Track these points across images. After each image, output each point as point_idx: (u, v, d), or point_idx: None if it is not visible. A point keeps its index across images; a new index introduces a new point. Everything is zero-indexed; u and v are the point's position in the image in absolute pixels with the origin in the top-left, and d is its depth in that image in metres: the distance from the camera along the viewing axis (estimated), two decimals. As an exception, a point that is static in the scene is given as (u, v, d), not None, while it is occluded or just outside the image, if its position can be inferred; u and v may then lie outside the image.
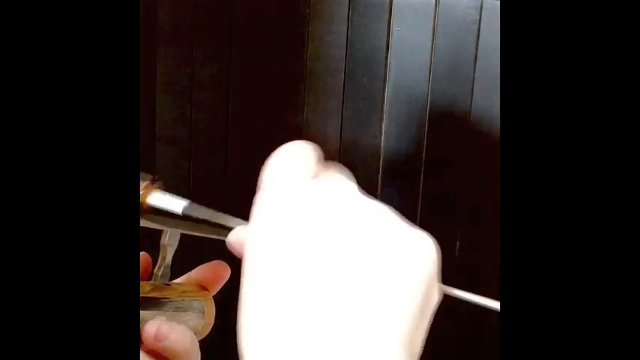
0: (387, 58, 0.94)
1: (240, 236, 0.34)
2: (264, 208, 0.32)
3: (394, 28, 0.93)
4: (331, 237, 0.30)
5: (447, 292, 0.34)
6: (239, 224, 0.36)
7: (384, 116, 0.96)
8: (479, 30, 0.91)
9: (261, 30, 0.97)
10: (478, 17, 0.91)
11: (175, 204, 0.37)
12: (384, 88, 0.95)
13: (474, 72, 0.92)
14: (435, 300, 0.32)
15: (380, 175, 0.97)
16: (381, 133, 0.96)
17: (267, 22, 0.97)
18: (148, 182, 0.38)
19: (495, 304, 0.35)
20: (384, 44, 0.94)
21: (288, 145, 0.34)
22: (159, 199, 0.38)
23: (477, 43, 0.91)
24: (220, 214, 0.37)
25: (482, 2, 0.90)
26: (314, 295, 0.29)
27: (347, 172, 0.33)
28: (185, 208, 0.37)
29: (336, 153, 0.98)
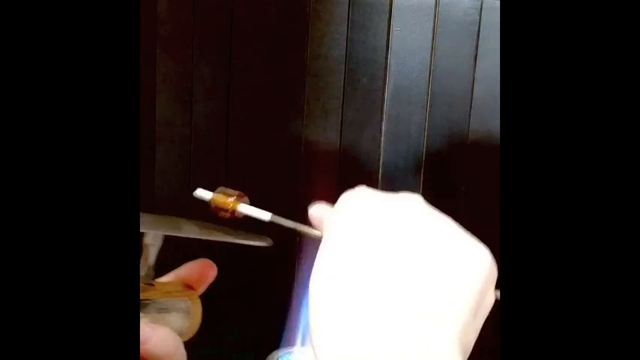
0: (387, 58, 0.94)
1: (322, 213, 0.39)
2: (346, 205, 0.37)
3: (394, 28, 0.93)
4: (401, 240, 0.34)
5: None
6: (314, 231, 0.40)
7: (384, 116, 0.96)
8: (479, 30, 0.91)
9: (261, 30, 0.97)
10: (478, 17, 0.91)
11: (263, 213, 0.44)
12: (384, 88, 0.95)
13: (474, 72, 0.92)
14: (489, 303, 0.35)
15: (380, 175, 0.97)
16: (381, 133, 0.96)
17: (267, 22, 0.97)
18: (236, 195, 0.44)
19: None
20: (384, 44, 0.94)
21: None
22: (248, 208, 0.44)
23: (477, 43, 0.91)
24: (300, 224, 0.42)
25: (482, 2, 0.90)
26: (381, 286, 0.32)
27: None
28: (272, 217, 0.43)
29: (336, 153, 0.98)
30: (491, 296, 0.35)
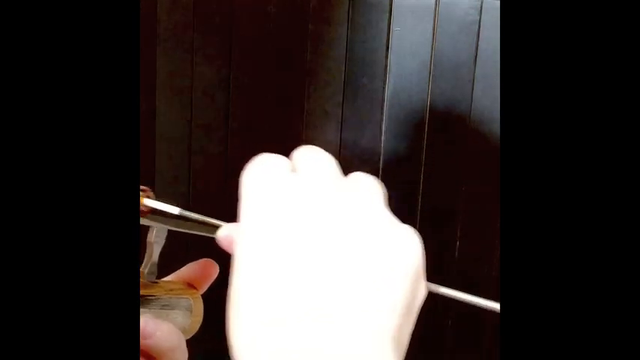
0: (387, 58, 0.94)
1: (229, 233, 0.35)
2: (251, 207, 0.33)
3: (394, 28, 0.93)
4: (317, 233, 0.31)
5: (433, 290, 0.34)
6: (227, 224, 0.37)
7: (384, 116, 0.96)
8: (479, 30, 0.91)
9: (261, 30, 0.97)
10: (478, 17, 0.91)
11: (170, 207, 0.41)
12: (384, 88, 0.95)
13: (474, 72, 0.92)
14: (421, 296, 0.32)
15: (380, 175, 0.97)
16: (381, 133, 0.96)
17: (267, 22, 0.97)
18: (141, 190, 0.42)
19: (481, 301, 0.35)
20: (384, 44, 0.94)
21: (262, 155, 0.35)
22: (155, 202, 0.41)
23: (477, 43, 0.91)
24: (208, 218, 0.39)
25: (482, 2, 0.90)
26: (302, 290, 0.30)
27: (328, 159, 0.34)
28: (180, 211, 0.41)
29: (336, 153, 0.98)
30: (422, 290, 0.32)
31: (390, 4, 0.93)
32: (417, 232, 0.34)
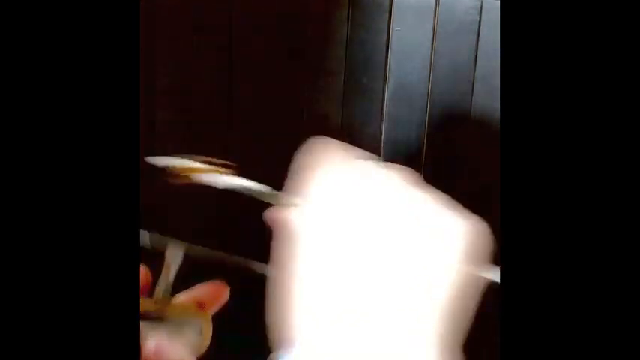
0: (387, 58, 0.94)
1: (284, 214, 0.37)
2: (312, 189, 0.35)
3: (394, 28, 0.93)
4: (373, 224, 0.32)
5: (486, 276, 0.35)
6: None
7: (384, 116, 0.96)
8: (479, 30, 0.91)
9: (261, 30, 0.97)
10: (478, 17, 0.91)
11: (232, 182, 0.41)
12: (384, 88, 0.95)
13: (474, 72, 0.92)
14: (470, 282, 0.33)
15: (380, 175, 0.97)
16: (381, 133, 0.96)
17: (267, 23, 0.97)
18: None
19: None
20: (384, 44, 0.94)
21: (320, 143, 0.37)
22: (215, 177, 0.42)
23: (477, 43, 0.91)
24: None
25: (482, 2, 0.90)
26: (354, 274, 0.31)
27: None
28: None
29: (336, 153, 0.98)
30: (469, 276, 0.33)
31: (390, 4, 0.93)
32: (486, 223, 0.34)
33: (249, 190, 0.42)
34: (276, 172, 1.03)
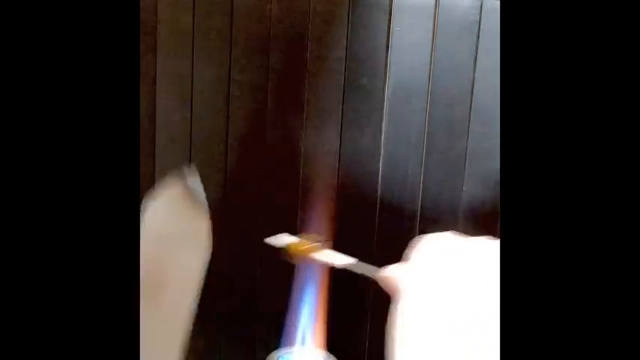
0: (387, 58, 0.94)
1: (394, 274, 0.42)
2: (422, 265, 0.39)
3: (394, 28, 0.93)
4: (468, 288, 0.36)
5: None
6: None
7: (384, 116, 0.96)
8: (479, 30, 0.91)
9: (261, 30, 0.97)
10: (478, 17, 0.91)
11: (345, 260, 0.47)
12: (384, 88, 0.95)
13: (474, 72, 0.92)
14: None
15: (380, 175, 0.97)
16: (381, 133, 0.96)
17: (267, 22, 0.97)
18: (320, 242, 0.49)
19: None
20: (384, 44, 0.94)
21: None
22: (335, 256, 0.47)
23: (477, 43, 0.91)
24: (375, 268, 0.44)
25: (482, 2, 0.90)
26: (451, 328, 0.35)
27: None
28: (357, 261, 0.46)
29: (336, 153, 0.98)
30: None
31: (390, 4, 0.93)
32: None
33: (361, 268, 0.46)
34: (274, 170, 1.03)
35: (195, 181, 0.51)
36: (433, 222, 0.97)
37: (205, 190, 1.11)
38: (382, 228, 0.97)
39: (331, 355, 0.65)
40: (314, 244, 0.47)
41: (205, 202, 0.52)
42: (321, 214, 0.98)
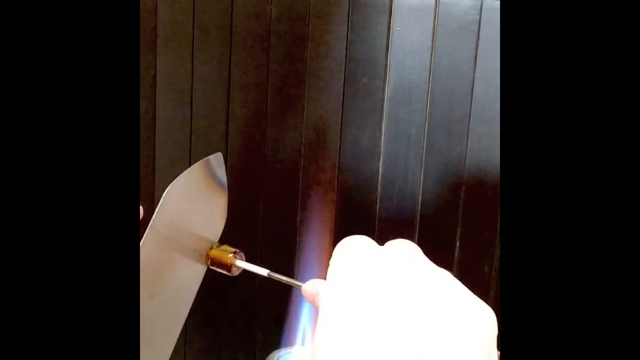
0: (387, 58, 0.94)
1: (315, 288, 0.40)
2: (339, 273, 0.36)
3: (394, 28, 0.93)
4: (398, 304, 0.33)
5: None
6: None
7: (384, 116, 0.96)
8: (479, 30, 0.91)
9: (261, 30, 0.97)
10: (478, 17, 0.91)
11: (260, 269, 0.49)
12: (384, 88, 0.95)
13: (474, 72, 0.92)
14: None
15: (380, 175, 0.97)
16: (381, 133, 0.96)
17: (267, 22, 0.97)
18: (234, 252, 0.51)
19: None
20: (384, 44, 0.94)
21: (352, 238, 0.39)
22: (246, 264, 0.50)
23: (477, 43, 0.91)
24: (295, 280, 0.46)
25: (482, 2, 0.90)
26: (379, 353, 0.32)
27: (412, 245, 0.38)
28: (269, 273, 0.48)
29: (336, 153, 0.98)
30: (495, 357, 0.33)
31: (390, 4, 0.93)
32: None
33: (277, 277, 0.48)
34: (274, 170, 1.03)
35: (217, 162, 0.53)
36: (433, 222, 0.97)
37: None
38: (382, 227, 0.97)
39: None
40: (230, 253, 0.50)
41: (226, 184, 0.54)
42: (321, 213, 0.98)
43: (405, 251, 0.36)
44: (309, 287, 0.41)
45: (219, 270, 0.50)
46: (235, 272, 0.50)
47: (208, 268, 0.50)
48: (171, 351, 0.49)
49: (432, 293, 0.33)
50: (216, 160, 0.53)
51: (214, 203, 0.53)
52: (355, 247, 0.37)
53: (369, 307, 0.33)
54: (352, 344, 0.32)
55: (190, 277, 0.50)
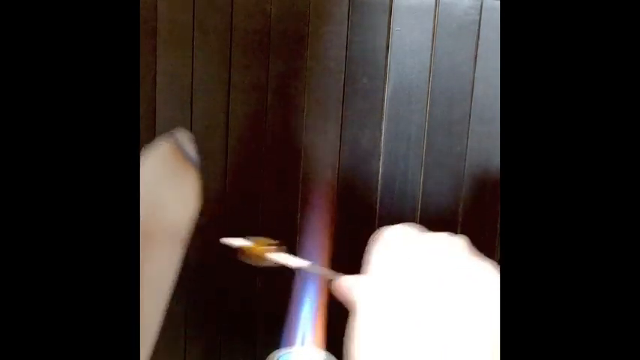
0: (387, 58, 0.94)
1: (347, 283, 0.41)
2: (375, 269, 0.38)
3: (394, 28, 0.93)
4: (429, 293, 0.34)
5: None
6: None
7: (384, 116, 0.96)
8: (479, 30, 0.91)
9: (261, 30, 0.97)
10: (478, 17, 0.91)
11: (301, 262, 0.49)
12: (384, 88, 0.95)
13: (474, 72, 0.92)
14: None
15: (380, 175, 0.97)
16: (381, 133, 0.96)
17: (267, 22, 0.97)
18: (275, 245, 0.50)
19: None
20: (384, 44, 0.94)
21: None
22: (287, 258, 0.50)
23: (477, 43, 0.91)
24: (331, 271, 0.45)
25: (482, 2, 0.90)
26: (414, 336, 0.33)
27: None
28: (310, 264, 0.48)
29: (336, 153, 0.98)
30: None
31: (390, 4, 0.93)
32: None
33: (317, 270, 0.48)
34: (274, 170, 1.03)
35: (185, 139, 0.54)
36: (433, 222, 0.96)
37: (205, 189, 1.11)
38: (382, 227, 0.97)
39: (331, 355, 0.65)
40: (268, 247, 0.50)
41: (195, 159, 0.55)
42: (321, 213, 0.98)
43: (446, 247, 0.37)
44: (343, 282, 0.41)
45: (255, 264, 0.50)
46: (271, 265, 0.50)
47: (245, 260, 0.51)
48: (154, 334, 0.50)
49: (466, 291, 0.34)
50: (183, 136, 0.53)
51: (185, 181, 0.53)
52: (394, 240, 0.39)
53: (402, 304, 0.34)
54: (386, 340, 0.33)
55: (168, 256, 0.49)
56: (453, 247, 0.37)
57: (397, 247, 0.38)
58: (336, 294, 0.41)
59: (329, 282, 0.43)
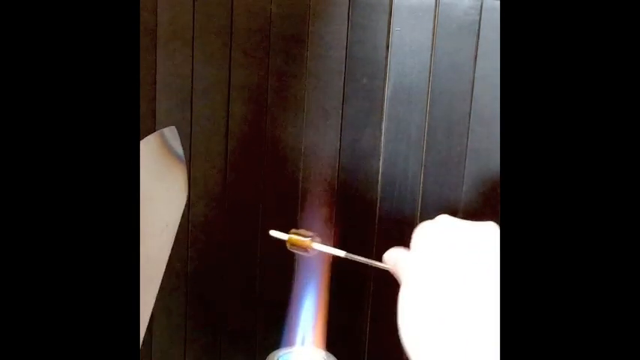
0: (387, 58, 0.94)
1: (397, 257, 0.44)
2: (423, 247, 0.41)
3: (394, 28, 0.93)
4: (467, 271, 0.38)
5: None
6: (386, 266, 0.46)
7: (384, 116, 0.96)
8: (479, 30, 0.91)
9: (261, 30, 0.97)
10: (478, 17, 0.91)
11: (337, 251, 0.53)
12: (384, 88, 0.95)
13: (474, 72, 0.92)
14: None
15: (380, 175, 0.97)
16: (381, 133, 0.96)
17: (267, 22, 0.97)
18: (311, 236, 0.56)
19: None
20: (384, 44, 0.94)
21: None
22: (323, 247, 0.55)
23: (477, 43, 0.91)
24: (371, 260, 0.49)
25: (482, 2, 0.90)
26: (452, 306, 0.37)
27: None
28: (346, 254, 0.52)
29: (336, 153, 0.98)
30: None
31: (390, 4, 0.93)
32: None
33: (365, 260, 0.51)
34: (274, 169, 1.03)
35: (172, 135, 0.56)
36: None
37: (205, 189, 1.11)
38: (382, 227, 0.97)
39: (331, 355, 0.65)
40: (308, 238, 0.55)
41: (182, 155, 0.57)
42: (321, 213, 0.98)
43: (485, 232, 0.40)
44: (390, 255, 0.45)
45: (297, 252, 0.55)
46: (312, 253, 0.55)
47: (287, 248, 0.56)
48: (146, 322, 0.51)
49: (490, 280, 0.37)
50: (171, 132, 0.55)
51: (173, 176, 0.54)
52: (438, 226, 0.42)
53: (444, 277, 0.37)
54: (431, 315, 0.36)
55: (158, 248, 0.50)
56: (491, 233, 0.40)
57: (441, 229, 0.41)
58: (387, 265, 0.45)
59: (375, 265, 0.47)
